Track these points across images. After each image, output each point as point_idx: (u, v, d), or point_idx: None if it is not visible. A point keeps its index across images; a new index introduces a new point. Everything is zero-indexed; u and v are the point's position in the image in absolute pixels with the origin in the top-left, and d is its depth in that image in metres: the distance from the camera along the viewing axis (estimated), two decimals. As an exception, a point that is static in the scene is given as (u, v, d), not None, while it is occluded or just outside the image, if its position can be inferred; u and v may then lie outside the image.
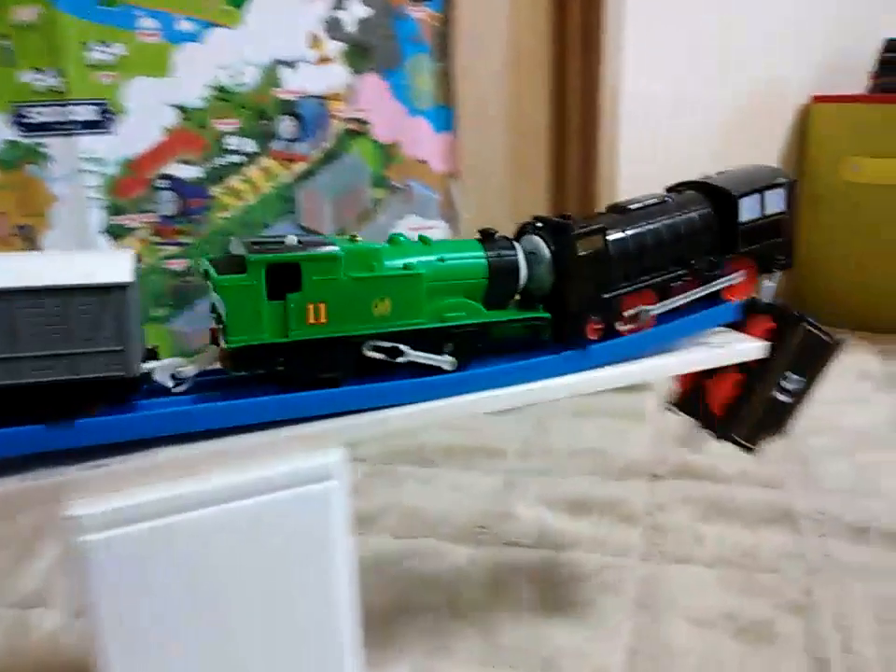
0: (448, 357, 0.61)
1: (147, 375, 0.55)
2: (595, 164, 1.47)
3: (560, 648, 0.78)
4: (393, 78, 1.30)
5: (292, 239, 0.56)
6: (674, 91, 1.59)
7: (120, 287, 0.50)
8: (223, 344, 0.54)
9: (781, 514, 0.99)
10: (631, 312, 0.67)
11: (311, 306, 0.55)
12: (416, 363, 0.60)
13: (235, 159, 1.22)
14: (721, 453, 1.16)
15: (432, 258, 0.61)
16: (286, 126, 1.24)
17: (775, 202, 0.75)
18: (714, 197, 0.71)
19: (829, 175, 1.77)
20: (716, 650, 0.77)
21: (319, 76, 1.25)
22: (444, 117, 1.36)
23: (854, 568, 0.88)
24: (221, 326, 0.55)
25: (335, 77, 1.26)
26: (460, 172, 1.38)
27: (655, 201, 0.70)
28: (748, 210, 0.72)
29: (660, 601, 0.84)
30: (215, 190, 1.21)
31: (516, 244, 0.65)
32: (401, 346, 0.59)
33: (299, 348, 0.56)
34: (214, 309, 0.57)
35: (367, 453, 1.20)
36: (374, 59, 1.28)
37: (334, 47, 1.25)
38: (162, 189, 1.18)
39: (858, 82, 1.77)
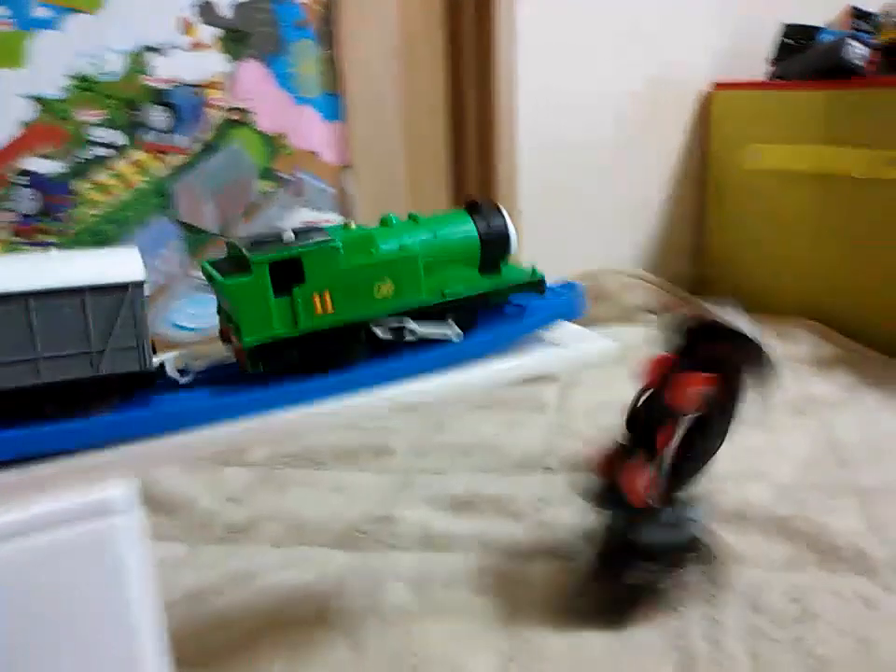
0: (455, 329, 0.64)
1: (162, 370, 0.57)
2: (494, 149, 1.44)
3: (430, 655, 0.76)
4: (276, 66, 1.25)
5: (290, 233, 0.57)
6: (571, 77, 1.58)
7: (137, 285, 0.51)
8: (237, 344, 0.57)
9: (667, 504, 0.98)
10: None
11: (316, 297, 0.57)
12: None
13: (102, 152, 1.15)
14: (614, 438, 1.17)
15: (425, 235, 0.64)
16: (158, 116, 1.18)
17: None
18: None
19: (731, 163, 1.78)
20: (589, 647, 0.75)
21: (193, 62, 1.19)
22: (333, 105, 1.31)
23: (729, 557, 0.87)
24: (232, 325, 0.57)
25: (211, 63, 1.20)
26: (353, 162, 1.33)
27: None
28: None
29: (540, 601, 0.83)
30: (80, 186, 1.14)
31: (503, 209, 0.67)
32: (410, 325, 0.62)
33: (311, 338, 0.58)
34: (220, 309, 0.60)
35: (254, 458, 1.15)
36: (254, 45, 1.23)
37: (209, 32, 1.19)
38: (21, 185, 1.11)
39: (759, 68, 1.78)
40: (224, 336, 0.61)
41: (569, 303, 0.69)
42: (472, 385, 0.64)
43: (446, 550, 0.92)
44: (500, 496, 1.02)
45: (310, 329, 0.58)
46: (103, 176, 1.15)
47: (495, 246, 0.66)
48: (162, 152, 1.18)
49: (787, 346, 1.47)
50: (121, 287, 0.50)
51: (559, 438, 1.19)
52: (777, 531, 0.91)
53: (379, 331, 0.61)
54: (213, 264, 0.59)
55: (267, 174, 1.26)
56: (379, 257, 0.60)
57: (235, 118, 1.23)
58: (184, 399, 0.56)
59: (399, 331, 0.62)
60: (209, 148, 1.21)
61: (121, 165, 1.16)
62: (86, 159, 1.14)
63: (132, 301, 0.51)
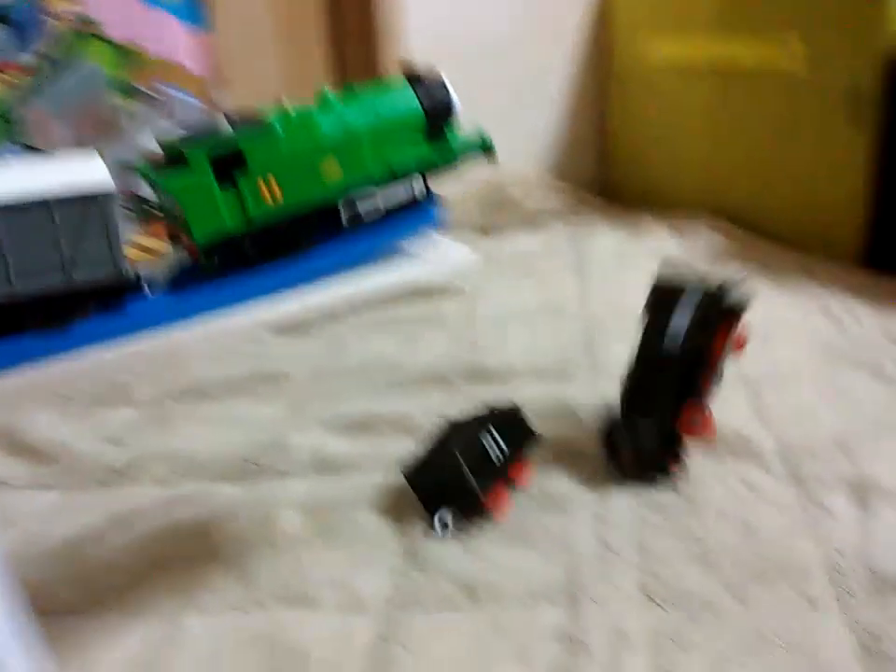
0: (420, 188, 0.65)
1: (138, 278, 0.56)
2: (376, 40, 1.35)
3: (319, 579, 0.74)
4: (123, -33, 1.13)
5: (225, 123, 0.57)
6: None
7: (107, 194, 0.51)
8: (188, 242, 0.56)
9: (563, 407, 0.98)
10: None
11: (262, 183, 0.57)
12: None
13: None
14: (517, 350, 1.15)
15: (366, 112, 0.62)
16: (-9, 31, 1.05)
17: None
18: None
19: (631, 56, 1.73)
20: (481, 554, 0.75)
21: (25, -33, 1.06)
22: (195, 10, 1.20)
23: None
24: (180, 225, 0.56)
25: (46, -33, 1.08)
26: (222, 71, 1.23)
27: None
28: None
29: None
30: None
31: (443, 75, 0.66)
32: (371, 189, 0.62)
33: (262, 227, 0.58)
34: (162, 208, 0.58)
35: (137, 396, 1.09)
36: (94, -57, 1.10)
37: (40, -70, 1.06)
38: None
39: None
40: (172, 236, 0.60)
41: (429, 214, 0.65)
42: (332, 302, 0.62)
43: (342, 473, 0.90)
44: (399, 414, 1.00)
45: (260, 217, 0.58)
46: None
47: (438, 115, 0.65)
48: (1, 72, 1.06)
49: (685, 242, 1.47)
50: (92, 199, 0.50)
51: (461, 351, 1.16)
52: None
53: (343, 212, 0.61)
54: (150, 166, 0.57)
55: (125, 88, 1.15)
56: (321, 138, 0.59)
57: (81, 28, 1.11)
58: (158, 305, 0.56)
59: (364, 207, 0.62)
60: (55, 64, 1.10)
61: (-46, 88, 1.04)
62: None
63: (102, 211, 0.51)
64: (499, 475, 0.80)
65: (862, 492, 0.78)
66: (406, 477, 0.81)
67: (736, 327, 0.83)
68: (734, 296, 0.83)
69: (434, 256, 0.63)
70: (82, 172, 0.51)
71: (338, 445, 0.95)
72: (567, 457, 0.88)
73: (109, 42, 1.14)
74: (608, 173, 1.87)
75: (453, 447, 0.79)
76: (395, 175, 0.63)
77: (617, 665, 0.62)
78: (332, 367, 1.15)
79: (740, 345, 0.84)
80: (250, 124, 0.57)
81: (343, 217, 0.62)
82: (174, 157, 0.56)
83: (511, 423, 0.85)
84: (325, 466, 0.91)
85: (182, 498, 0.87)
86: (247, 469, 0.91)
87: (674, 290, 0.84)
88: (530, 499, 0.82)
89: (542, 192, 1.71)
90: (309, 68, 1.35)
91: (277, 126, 0.57)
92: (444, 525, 0.77)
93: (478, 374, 1.09)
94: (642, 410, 0.82)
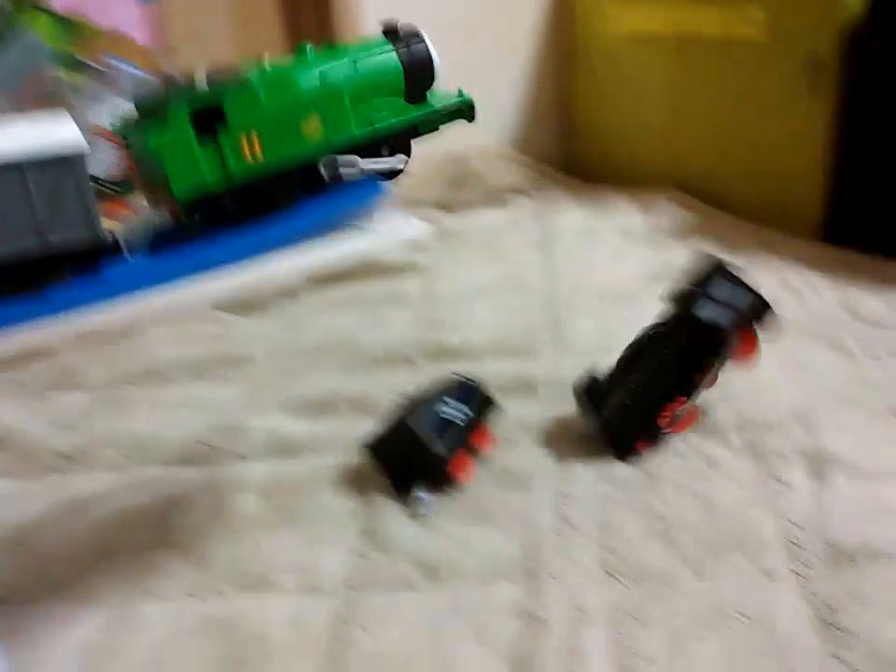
0: (398, 157, 0.64)
1: (115, 240, 0.56)
2: (332, 11, 1.32)
3: (278, 563, 0.73)
4: (63, -68, 1.08)
5: (203, 78, 0.56)
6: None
7: (80, 154, 0.50)
8: (168, 199, 0.55)
9: (525, 384, 0.97)
10: None
11: (244, 139, 0.56)
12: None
13: None
14: (480, 328, 1.14)
15: (346, 67, 0.61)
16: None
17: None
18: None
19: (592, 26, 1.71)
20: (438, 534, 0.74)
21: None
22: (142, -22, 1.16)
23: (580, 431, 0.87)
24: (159, 182, 0.55)
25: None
26: (173, 42, 1.19)
27: None
28: None
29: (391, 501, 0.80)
30: None
31: (424, 34, 0.66)
32: (353, 157, 0.61)
33: (244, 183, 0.57)
34: (142, 169, 0.57)
35: (90, 379, 1.06)
36: None
37: None
38: None
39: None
40: (150, 195, 0.59)
41: (378, 186, 0.64)
42: (285, 274, 0.61)
43: (301, 454, 0.88)
44: (360, 394, 0.98)
45: (241, 173, 0.57)
46: None
47: (419, 74, 0.65)
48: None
49: (649, 217, 1.47)
50: (65, 160, 0.50)
51: (422, 329, 1.15)
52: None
53: (324, 170, 0.60)
54: (127, 125, 0.56)
55: (68, 62, 1.11)
56: (301, 93, 0.58)
57: (22, -3, 1.06)
58: (137, 268, 0.56)
59: (345, 168, 0.61)
60: (-6, 35, 1.05)
61: None
62: None
63: (76, 172, 0.50)
64: (461, 443, 0.79)
65: (820, 465, 0.78)
66: (372, 456, 0.80)
67: (755, 338, 0.84)
68: (766, 309, 0.84)
69: (386, 228, 0.62)
70: (53, 132, 0.50)
71: (297, 427, 0.93)
72: (529, 434, 0.87)
73: (51, 13, 1.09)
74: (571, 146, 1.85)
75: (409, 420, 0.78)
76: (377, 135, 0.63)
77: (576, 640, 0.62)
78: (292, 347, 1.13)
79: (747, 354, 0.84)
80: (230, 80, 0.56)
81: (325, 175, 0.61)
82: (151, 113, 0.55)
83: (468, 393, 0.84)
84: (284, 447, 0.89)
85: (137, 484, 0.85)
86: (204, 452, 0.90)
87: (723, 276, 0.85)
88: (490, 475, 0.81)
89: (505, 167, 1.69)
90: (262, 37, 1.31)
91: (257, 82, 0.57)
92: (423, 500, 0.76)
93: (440, 352, 1.07)
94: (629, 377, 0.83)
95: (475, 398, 0.84)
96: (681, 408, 0.82)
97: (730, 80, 1.45)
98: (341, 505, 0.79)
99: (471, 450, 0.81)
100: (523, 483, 0.80)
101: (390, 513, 0.77)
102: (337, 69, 0.61)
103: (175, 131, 0.54)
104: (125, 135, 0.57)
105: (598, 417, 0.83)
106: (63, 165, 0.50)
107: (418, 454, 0.77)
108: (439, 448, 0.77)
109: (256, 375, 1.06)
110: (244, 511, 0.80)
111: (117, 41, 1.14)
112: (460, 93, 0.68)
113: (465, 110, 0.69)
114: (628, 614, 0.64)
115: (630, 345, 0.87)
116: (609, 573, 0.69)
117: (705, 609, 0.64)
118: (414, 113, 0.65)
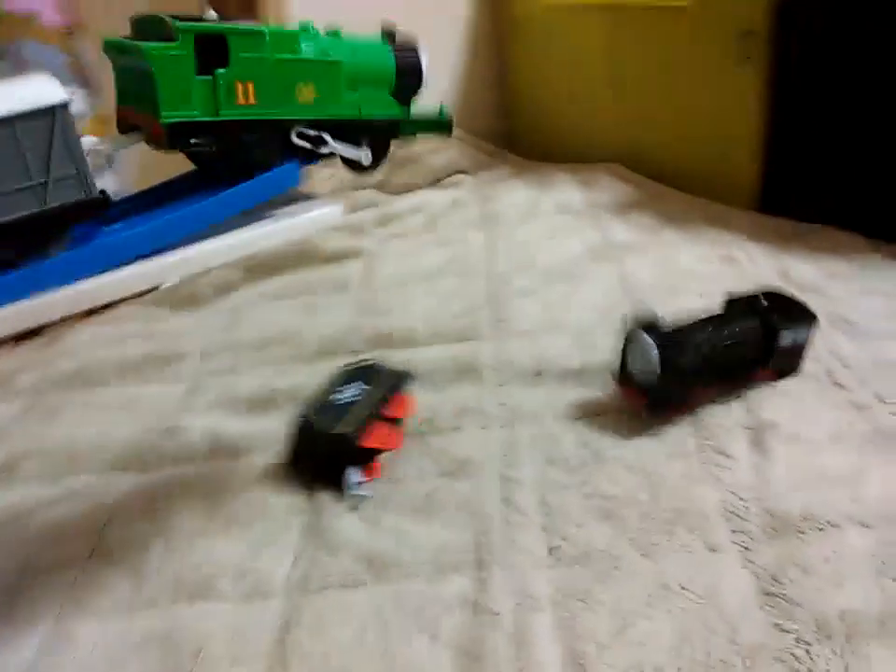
0: (366, 150, 0.65)
1: (105, 196, 0.53)
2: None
3: (218, 569, 0.70)
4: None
5: (213, 14, 0.56)
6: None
7: (63, 106, 0.48)
8: (151, 122, 0.54)
9: (468, 368, 0.96)
10: None
11: (239, 85, 0.56)
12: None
13: None
14: (421, 312, 1.12)
15: (346, 49, 0.63)
16: None
17: None
18: None
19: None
20: (385, 528, 0.73)
21: None
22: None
23: (525, 413, 0.86)
24: (144, 105, 0.54)
25: None
26: (85, 21, 1.13)
27: None
28: None
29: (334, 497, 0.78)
30: None
31: (419, 43, 0.69)
32: (325, 135, 0.62)
33: (229, 128, 0.57)
34: (124, 90, 0.57)
35: (18, 386, 1.02)
36: None
37: None
38: None
39: None
40: (125, 124, 0.58)
41: (290, 173, 0.62)
42: (195, 261, 0.58)
43: (240, 454, 0.85)
44: (300, 387, 0.95)
45: (230, 117, 0.56)
46: None
47: (409, 77, 0.67)
48: None
49: (590, 193, 1.46)
50: (48, 111, 0.48)
51: (364, 317, 1.13)
52: (572, 379, 0.91)
53: (296, 138, 0.61)
54: (120, 40, 0.55)
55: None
56: (303, 56, 0.59)
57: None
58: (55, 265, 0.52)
59: (315, 141, 0.62)
60: None
61: None
62: None
63: (62, 124, 0.48)
64: (371, 416, 0.78)
65: (761, 436, 0.79)
66: (297, 471, 0.80)
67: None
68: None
69: (304, 211, 0.60)
70: (31, 87, 0.49)
71: (235, 425, 0.90)
72: (474, 418, 0.86)
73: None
74: (511, 122, 1.84)
75: (304, 420, 0.78)
76: (361, 121, 0.64)
77: (524, 629, 0.61)
78: (229, 342, 1.09)
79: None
80: (238, 23, 0.56)
81: (294, 141, 0.61)
82: (154, 30, 0.53)
83: (365, 374, 0.84)
84: (222, 448, 0.87)
85: (67, 494, 0.82)
86: (139, 457, 0.86)
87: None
88: (435, 463, 0.80)
89: (445, 146, 1.67)
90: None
91: (267, 35, 0.56)
92: (353, 482, 0.75)
93: (382, 340, 1.05)
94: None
95: (377, 376, 0.84)
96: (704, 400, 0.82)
97: (664, 51, 1.44)
98: (281, 504, 0.77)
99: (388, 420, 0.80)
100: (468, 470, 0.79)
101: (334, 510, 0.75)
102: (337, 48, 0.63)
103: (178, 47, 0.52)
104: (118, 46, 0.55)
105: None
106: (45, 119, 0.48)
107: (327, 444, 0.77)
108: (339, 428, 0.76)
109: (192, 374, 1.02)
110: (180, 516, 0.77)
111: (26, 23, 1.08)
112: (442, 109, 0.73)
113: (444, 125, 0.74)
114: (576, 598, 0.64)
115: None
116: (557, 558, 0.68)
117: (651, 588, 0.64)
118: (399, 112, 0.68)
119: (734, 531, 0.68)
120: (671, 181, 1.46)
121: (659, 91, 1.47)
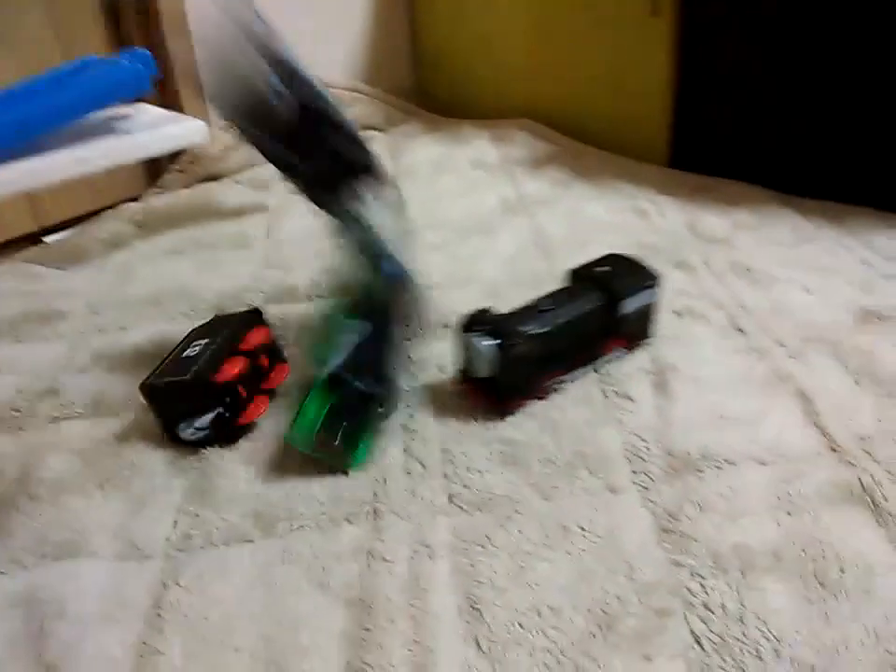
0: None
1: None
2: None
3: (93, 528, 0.65)
4: None
5: None
6: None
7: None
8: None
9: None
10: None
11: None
12: None
13: None
14: (321, 268, 1.07)
15: None
16: None
17: None
18: None
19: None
20: (276, 497, 0.69)
21: None
22: None
23: (430, 364, 0.83)
24: None
25: None
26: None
27: None
28: None
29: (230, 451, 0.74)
30: None
31: None
32: None
33: None
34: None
35: None
36: None
37: None
38: None
39: None
40: None
41: (137, 74, 0.55)
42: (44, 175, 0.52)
43: (120, 413, 0.80)
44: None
45: None
46: None
47: None
48: None
49: (503, 148, 1.43)
50: None
51: (265, 271, 1.07)
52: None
53: None
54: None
55: None
56: None
57: None
58: None
59: None
60: None
61: None
62: None
63: None
64: (222, 357, 0.74)
65: (663, 379, 0.78)
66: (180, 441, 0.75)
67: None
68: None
69: (158, 126, 0.54)
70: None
71: (117, 383, 0.84)
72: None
73: None
74: (422, 77, 1.79)
75: (154, 381, 0.74)
76: None
77: (420, 576, 0.59)
78: (118, 299, 1.02)
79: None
80: None
81: None
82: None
83: (215, 327, 0.81)
84: (101, 406, 0.81)
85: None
86: (14, 417, 0.79)
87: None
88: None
89: (356, 102, 1.61)
90: (82, 40, 1.17)
91: None
92: (197, 430, 0.73)
93: (281, 295, 1.00)
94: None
95: (224, 323, 0.81)
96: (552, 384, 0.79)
97: (574, 2, 1.41)
98: (163, 462, 0.72)
99: (242, 354, 0.76)
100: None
101: (223, 468, 0.71)
102: None
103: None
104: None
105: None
106: None
107: (183, 396, 0.73)
108: (188, 375, 0.72)
109: (75, 332, 0.95)
110: (54, 475, 0.71)
111: None
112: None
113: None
114: (474, 543, 0.61)
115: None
116: (457, 506, 0.65)
117: (551, 530, 0.62)
118: None
119: (634, 472, 0.67)
120: (582, 136, 1.45)
121: (571, 45, 1.45)
